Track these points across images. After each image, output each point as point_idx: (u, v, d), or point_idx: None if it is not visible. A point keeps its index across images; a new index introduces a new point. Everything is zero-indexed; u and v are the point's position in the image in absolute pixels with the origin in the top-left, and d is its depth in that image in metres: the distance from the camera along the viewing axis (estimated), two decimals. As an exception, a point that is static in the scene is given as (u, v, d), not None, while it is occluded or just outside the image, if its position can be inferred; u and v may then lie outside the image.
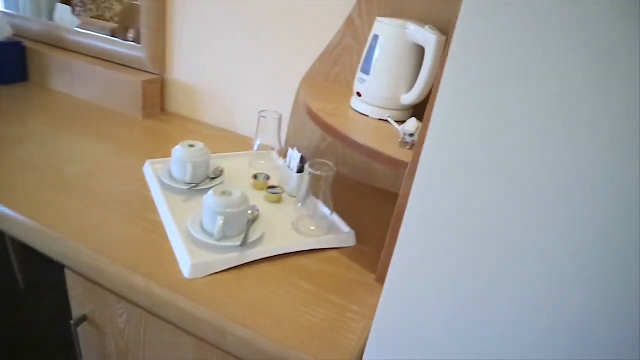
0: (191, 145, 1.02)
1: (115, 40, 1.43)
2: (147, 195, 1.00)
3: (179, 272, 0.80)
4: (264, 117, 1.12)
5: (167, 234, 0.88)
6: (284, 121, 1.18)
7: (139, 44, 1.38)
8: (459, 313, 0.59)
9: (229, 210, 0.84)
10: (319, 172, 0.91)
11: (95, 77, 1.40)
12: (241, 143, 1.33)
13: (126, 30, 1.45)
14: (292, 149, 1.06)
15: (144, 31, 1.36)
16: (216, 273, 0.81)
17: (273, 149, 1.17)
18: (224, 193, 0.86)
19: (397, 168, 0.81)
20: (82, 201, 0.95)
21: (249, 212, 0.89)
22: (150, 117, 1.39)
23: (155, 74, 1.39)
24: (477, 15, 0.46)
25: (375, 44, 0.94)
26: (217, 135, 1.37)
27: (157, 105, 1.42)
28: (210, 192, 0.86)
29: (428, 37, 0.87)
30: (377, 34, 0.95)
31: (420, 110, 0.98)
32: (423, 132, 0.77)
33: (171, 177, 1.03)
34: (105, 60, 1.44)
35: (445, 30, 0.99)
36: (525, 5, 0.44)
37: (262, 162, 1.18)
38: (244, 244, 0.83)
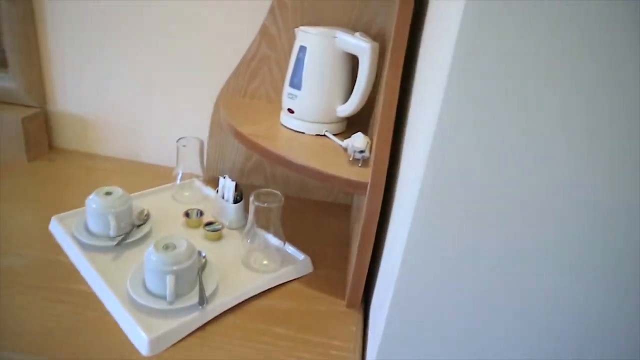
0: (108, 193, 0.88)
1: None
2: (64, 261, 0.84)
3: (134, 351, 0.68)
4: (184, 145, 1.00)
5: (105, 306, 0.75)
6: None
7: (3, 70, 1.16)
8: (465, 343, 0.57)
9: (176, 268, 0.73)
10: (265, 204, 0.83)
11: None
12: (153, 173, 1.19)
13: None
14: (223, 177, 0.97)
15: (11, 57, 1.14)
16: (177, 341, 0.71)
17: (198, 177, 1.06)
18: (166, 247, 0.75)
19: (355, 189, 0.76)
20: (-18, 284, 0.77)
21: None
22: (37, 158, 1.19)
23: (34, 106, 1.18)
24: (475, 40, 0.43)
25: (303, 56, 0.88)
26: (123, 168, 1.21)
27: (44, 143, 1.21)
28: (151, 248, 0.74)
29: (362, 46, 0.83)
30: (303, 44, 0.88)
31: (355, 119, 0.94)
32: (380, 148, 0.73)
33: (89, 233, 0.88)
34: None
35: (372, 34, 0.96)
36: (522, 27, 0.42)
37: (187, 193, 1.06)
38: (202, 301, 0.73)
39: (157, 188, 1.06)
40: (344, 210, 1.13)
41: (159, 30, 1.10)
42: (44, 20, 1.13)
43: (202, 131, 1.13)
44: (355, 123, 0.96)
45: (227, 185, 0.95)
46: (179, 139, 1.01)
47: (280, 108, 0.99)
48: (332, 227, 1.06)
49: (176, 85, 1.15)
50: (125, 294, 0.75)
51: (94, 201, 0.86)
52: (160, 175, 1.16)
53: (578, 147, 0.45)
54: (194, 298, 0.75)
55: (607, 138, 0.44)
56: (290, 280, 0.86)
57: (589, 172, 0.45)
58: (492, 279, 0.52)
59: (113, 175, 1.16)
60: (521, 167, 0.46)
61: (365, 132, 0.93)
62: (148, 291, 0.75)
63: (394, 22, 0.73)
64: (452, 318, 0.56)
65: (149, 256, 0.74)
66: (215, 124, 1.11)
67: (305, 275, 0.89)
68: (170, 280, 0.72)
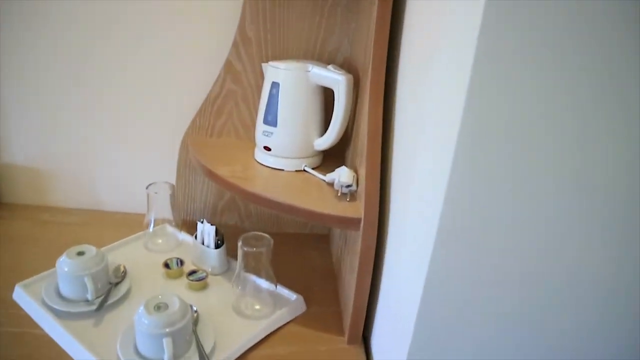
0: (80, 253, 0.82)
1: None
2: (37, 333, 0.77)
3: None
4: (156, 192, 0.95)
5: (95, 380, 0.69)
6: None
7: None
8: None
9: (172, 329, 0.68)
10: (254, 249, 0.80)
11: None
12: (115, 222, 1.12)
13: None
14: (201, 221, 0.92)
15: (-55, 112, 1.04)
16: (182, 408, 0.66)
17: (169, 222, 1.01)
18: (158, 308, 0.70)
19: (348, 225, 0.75)
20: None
21: (189, 316, 0.75)
22: (-16, 217, 1.09)
23: (-25, 162, 1.09)
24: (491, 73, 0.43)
25: (277, 92, 0.86)
26: (83, 220, 1.13)
27: (-10, 200, 1.11)
28: (141, 310, 0.69)
29: (337, 79, 0.83)
30: (276, 81, 0.87)
31: (329, 150, 0.92)
32: (371, 182, 0.73)
33: (62, 298, 0.81)
34: None
35: (338, 63, 0.96)
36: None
37: (160, 240, 1.01)
38: (205, 361, 0.69)
39: (127, 238, 1.00)
40: (322, 241, 1.11)
41: (113, 73, 1.05)
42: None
43: (165, 173, 1.07)
44: (330, 154, 0.95)
45: (207, 229, 0.91)
46: (149, 185, 0.96)
47: (250, 144, 0.97)
48: (313, 260, 1.04)
49: (134, 128, 1.10)
50: (117, 363, 0.70)
51: (65, 264, 0.80)
52: (123, 223, 1.10)
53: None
54: (192, 358, 0.70)
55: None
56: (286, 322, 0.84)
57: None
58: (516, 311, 0.53)
59: (73, 228, 1.08)
60: (541, 197, 0.48)
61: (342, 162, 0.93)
62: (142, 356, 0.70)
63: (370, 54, 0.73)
64: (475, 348, 0.56)
65: (140, 319, 0.69)
66: (183, 165, 1.06)
67: (300, 315, 0.86)
68: (167, 343, 0.67)
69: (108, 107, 1.08)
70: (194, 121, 1.03)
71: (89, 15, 1.00)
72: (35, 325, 0.78)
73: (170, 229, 1.02)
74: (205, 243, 0.92)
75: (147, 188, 0.96)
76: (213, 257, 0.91)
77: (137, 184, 1.10)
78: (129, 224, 1.08)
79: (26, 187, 1.15)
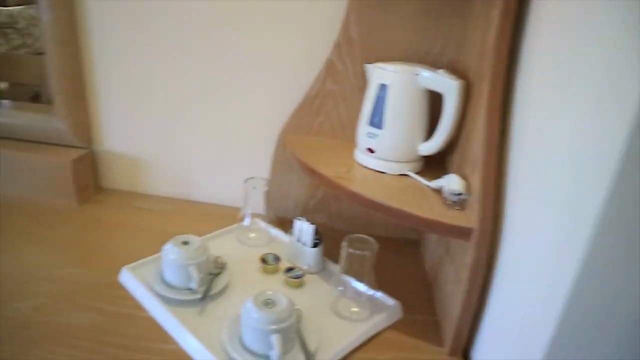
0: (185, 243, 0.84)
1: (20, 114, 1.14)
2: (143, 316, 0.79)
3: (247, 419, 0.64)
4: (254, 187, 0.97)
5: (202, 368, 0.70)
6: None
7: (48, 111, 1.12)
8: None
9: (277, 326, 0.68)
10: (359, 252, 0.80)
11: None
12: (206, 213, 1.15)
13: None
14: (300, 220, 0.93)
15: (58, 98, 1.10)
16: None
17: (263, 218, 1.02)
18: (266, 304, 0.71)
19: (458, 235, 0.73)
20: (58, 349, 0.71)
21: (293, 314, 0.75)
22: (86, 201, 1.14)
23: (81, 147, 1.14)
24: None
25: (384, 94, 0.85)
26: (173, 208, 1.16)
27: (91, 184, 1.16)
28: (251, 305, 0.70)
29: (449, 84, 0.81)
30: (384, 82, 0.85)
31: (431, 157, 0.90)
32: (487, 192, 0.71)
33: (166, 285, 0.83)
34: (7, 139, 1.14)
35: (443, 65, 0.94)
36: None
37: (252, 235, 1.02)
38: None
39: (221, 230, 1.02)
40: (412, 246, 1.09)
41: (212, 67, 1.07)
42: (91, 60, 1.10)
43: (255, 168, 1.10)
44: (430, 160, 0.93)
45: (305, 228, 0.91)
46: (248, 179, 0.97)
47: (347, 144, 0.97)
48: (401, 265, 1.02)
49: (229, 122, 1.12)
50: (223, 354, 0.70)
51: (171, 251, 0.82)
52: (213, 214, 1.13)
53: None
54: (297, 356, 0.70)
55: None
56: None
57: None
58: None
59: (164, 216, 1.12)
60: None
61: (442, 169, 0.91)
62: (247, 349, 0.71)
63: (489, 61, 0.71)
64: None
65: (249, 313, 0.70)
66: (278, 162, 1.07)
67: (398, 321, 0.85)
68: (277, 339, 0.67)
69: (206, 100, 1.11)
70: (291, 119, 1.03)
71: (190, 14, 1.03)
72: (140, 307, 0.81)
73: (262, 224, 1.03)
74: (302, 241, 0.92)
75: (245, 182, 0.97)
76: (310, 255, 0.91)
77: (228, 177, 1.13)
78: (218, 215, 1.10)
79: (122, 174, 1.20)
